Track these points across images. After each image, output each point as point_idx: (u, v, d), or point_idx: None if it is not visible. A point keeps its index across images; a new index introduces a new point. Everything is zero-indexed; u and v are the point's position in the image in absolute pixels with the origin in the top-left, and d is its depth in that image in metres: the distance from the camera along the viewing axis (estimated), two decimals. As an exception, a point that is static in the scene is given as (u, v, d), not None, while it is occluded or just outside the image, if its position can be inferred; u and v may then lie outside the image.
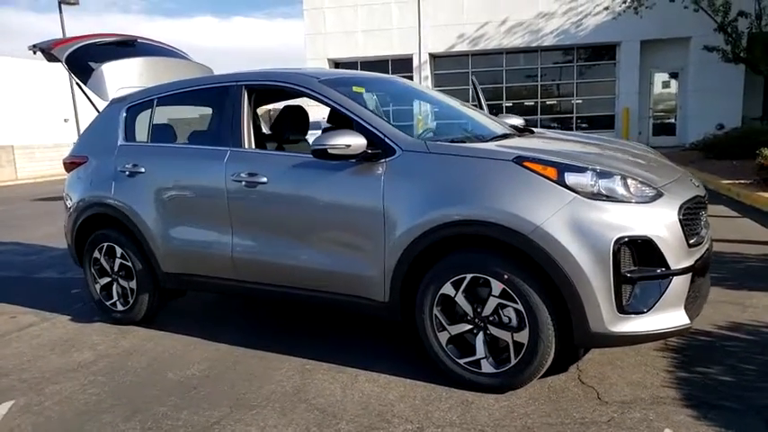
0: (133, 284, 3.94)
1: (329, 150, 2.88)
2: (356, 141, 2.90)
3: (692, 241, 2.64)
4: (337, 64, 21.74)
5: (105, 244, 4.02)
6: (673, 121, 19.92)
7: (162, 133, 3.94)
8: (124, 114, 4.05)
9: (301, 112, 3.77)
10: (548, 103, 21.10)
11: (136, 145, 3.98)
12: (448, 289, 2.75)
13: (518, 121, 4.22)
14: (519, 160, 2.65)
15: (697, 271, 2.67)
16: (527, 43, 20.02)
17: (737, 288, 4.13)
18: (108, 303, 4.11)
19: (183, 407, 2.84)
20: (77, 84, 4.39)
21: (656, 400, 2.62)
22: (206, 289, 3.89)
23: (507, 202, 2.57)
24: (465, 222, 2.65)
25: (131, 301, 3.98)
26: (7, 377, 3.31)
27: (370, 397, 2.82)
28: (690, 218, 2.69)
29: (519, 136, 3.60)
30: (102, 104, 4.32)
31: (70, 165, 4.29)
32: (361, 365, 3.17)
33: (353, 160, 2.97)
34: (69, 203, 4.24)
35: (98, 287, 4.14)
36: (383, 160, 2.92)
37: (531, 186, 2.57)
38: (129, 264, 3.92)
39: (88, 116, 4.91)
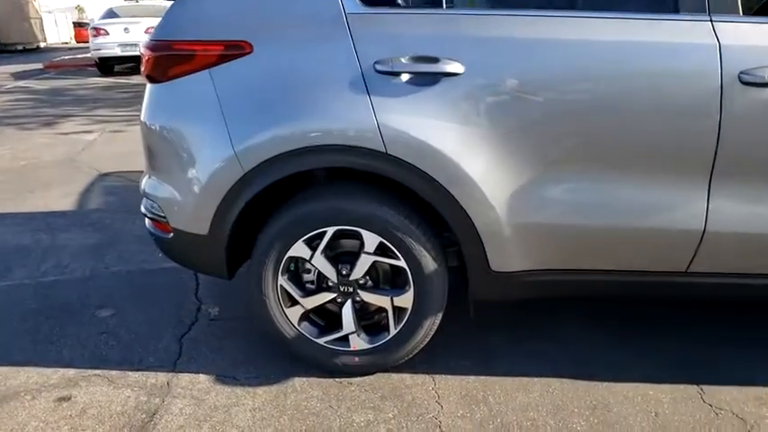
0: (405, 300, 2.01)
1: None
2: None
3: None
4: None
5: (330, 229, 1.96)
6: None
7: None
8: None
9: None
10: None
11: (407, 14, 1.88)
12: None
13: None
14: None
15: None
16: None
17: None
18: (322, 341, 2.11)
19: None
20: None
21: None
22: (588, 293, 2.10)
23: None
24: None
25: (395, 331, 2.06)
26: None
27: None
28: None
29: None
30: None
31: (179, 60, 1.95)
32: None
33: None
34: (200, 149, 1.98)
35: (296, 313, 2.09)
36: None
37: None
38: (401, 263, 1.96)
39: None
